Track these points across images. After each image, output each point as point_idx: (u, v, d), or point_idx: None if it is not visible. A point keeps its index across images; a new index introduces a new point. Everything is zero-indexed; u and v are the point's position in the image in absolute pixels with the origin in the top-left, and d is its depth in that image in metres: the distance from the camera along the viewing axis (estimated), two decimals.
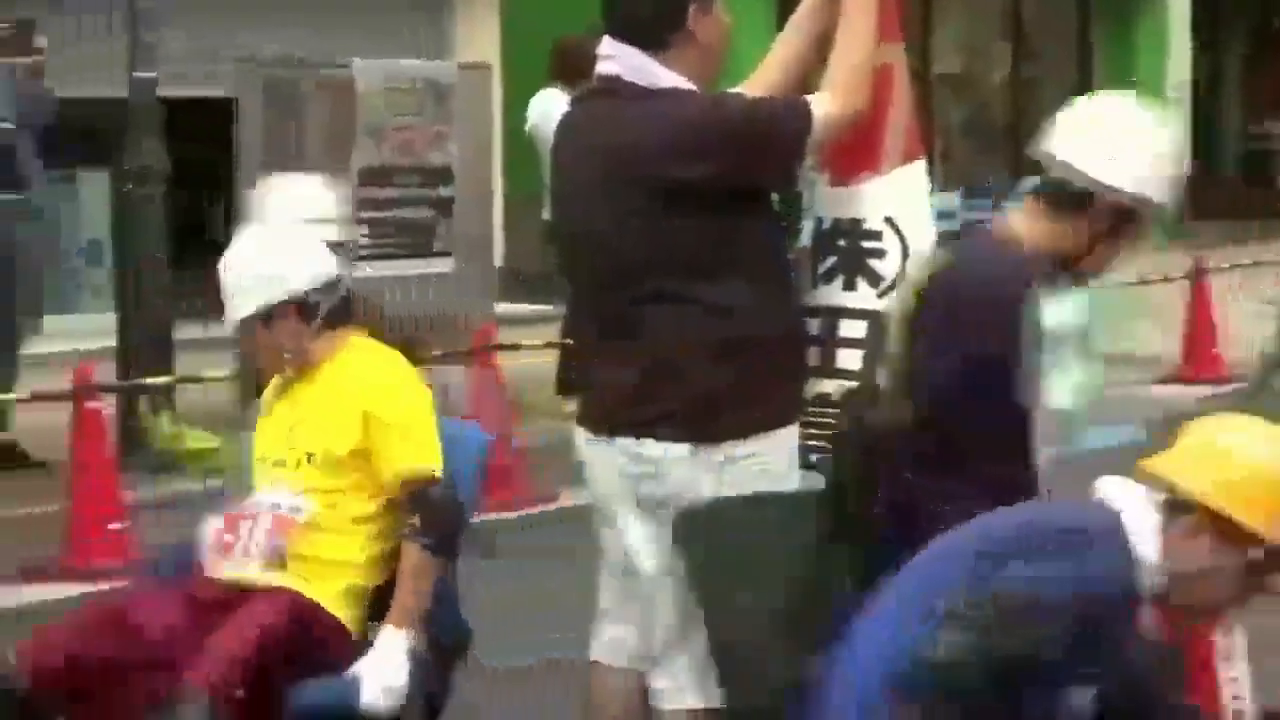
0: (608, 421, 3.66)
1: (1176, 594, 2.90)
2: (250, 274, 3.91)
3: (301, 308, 3.89)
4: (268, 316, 3.87)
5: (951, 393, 3.41)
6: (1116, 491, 3.00)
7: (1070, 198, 3.45)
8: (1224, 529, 2.83)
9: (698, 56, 3.65)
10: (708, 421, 3.54)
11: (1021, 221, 3.57)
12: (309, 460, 3.86)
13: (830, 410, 3.79)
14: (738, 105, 3.71)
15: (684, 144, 3.55)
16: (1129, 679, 3.01)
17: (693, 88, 3.62)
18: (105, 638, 3.75)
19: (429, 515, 3.73)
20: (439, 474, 3.80)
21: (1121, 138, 3.48)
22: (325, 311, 3.92)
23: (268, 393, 4.11)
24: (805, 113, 3.61)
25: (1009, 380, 3.35)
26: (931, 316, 3.49)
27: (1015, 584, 2.84)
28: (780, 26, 4.09)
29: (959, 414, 3.40)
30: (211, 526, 3.91)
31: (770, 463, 3.58)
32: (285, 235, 4.08)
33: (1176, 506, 2.87)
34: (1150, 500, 2.92)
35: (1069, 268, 3.51)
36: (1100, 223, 3.48)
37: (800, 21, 3.88)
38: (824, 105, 3.62)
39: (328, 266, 3.99)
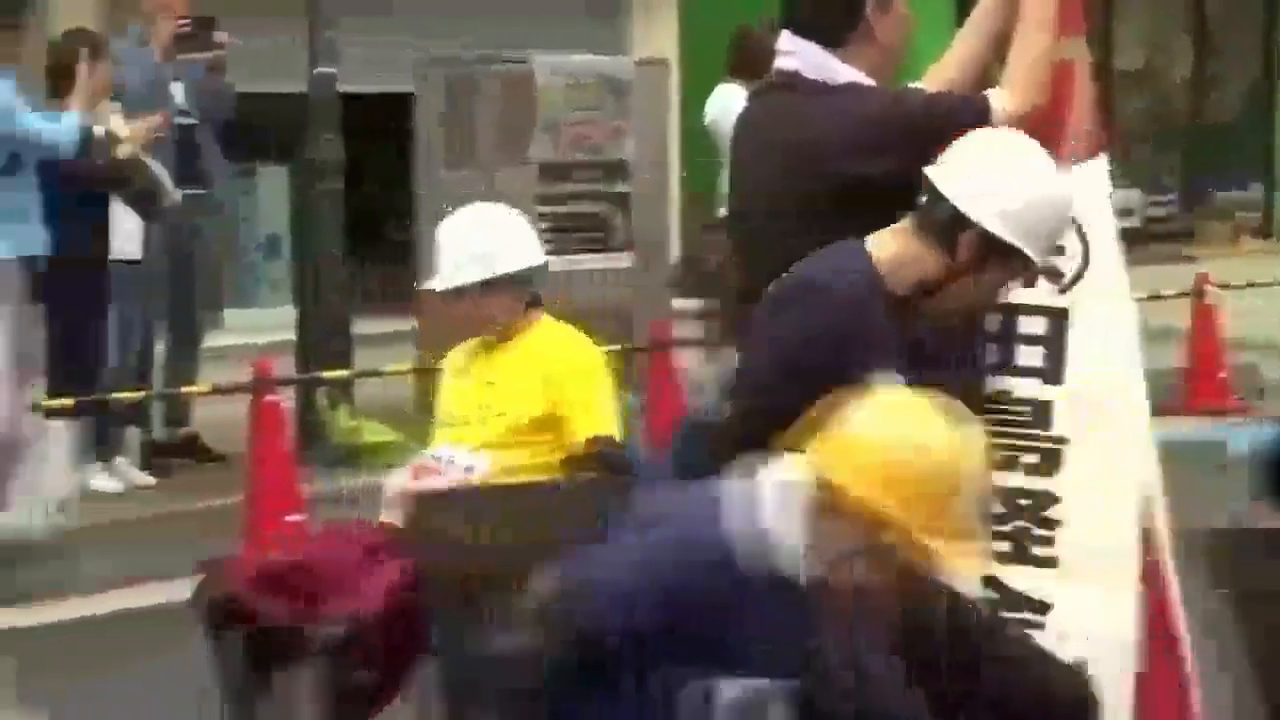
0: None
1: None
2: (475, 246, 4.43)
3: (516, 284, 4.41)
4: (486, 286, 4.37)
5: (757, 383, 3.53)
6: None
7: (935, 224, 3.37)
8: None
9: (877, 53, 3.77)
10: None
11: (895, 239, 3.49)
12: (499, 418, 4.35)
13: (1010, 407, 3.86)
14: (917, 101, 3.81)
15: (865, 140, 3.65)
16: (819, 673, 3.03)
17: (871, 83, 3.73)
18: (282, 572, 4.31)
19: (607, 471, 4.18)
20: (619, 439, 4.36)
21: (999, 174, 3.40)
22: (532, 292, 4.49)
23: (458, 356, 4.62)
24: (984, 108, 3.71)
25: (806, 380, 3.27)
26: (762, 312, 3.58)
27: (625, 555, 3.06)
28: (960, 23, 4.17)
29: (761, 405, 3.45)
30: (396, 478, 4.43)
31: None
32: (505, 216, 4.62)
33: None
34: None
35: (927, 295, 3.46)
36: (963, 257, 3.38)
37: (979, 20, 3.99)
38: (1002, 100, 3.71)
39: (539, 252, 4.55)
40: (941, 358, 3.52)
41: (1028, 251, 3.41)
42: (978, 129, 3.63)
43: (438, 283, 4.50)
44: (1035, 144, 3.56)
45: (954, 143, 3.48)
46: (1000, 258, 3.41)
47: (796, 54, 3.76)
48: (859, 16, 3.72)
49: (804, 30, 3.75)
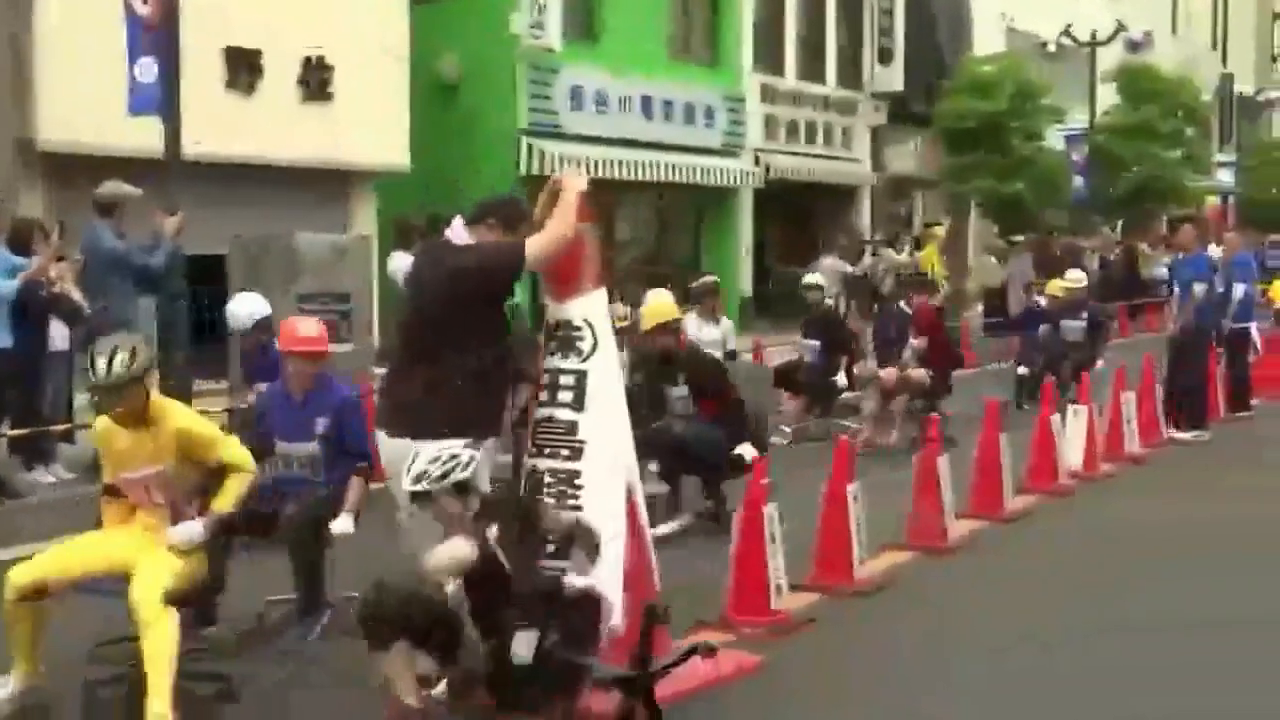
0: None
1: None
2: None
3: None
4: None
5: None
6: None
7: None
8: None
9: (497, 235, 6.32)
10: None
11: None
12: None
13: (555, 425, 6.31)
14: (487, 246, 6.23)
15: (459, 266, 6.16)
16: None
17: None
18: None
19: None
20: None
21: None
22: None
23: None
24: (520, 249, 6.10)
25: None
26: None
27: None
28: None
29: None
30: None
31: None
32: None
33: None
34: None
35: None
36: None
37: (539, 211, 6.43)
38: (532, 245, 6.11)
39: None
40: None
41: None
42: (513, 261, 6.02)
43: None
44: None
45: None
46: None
47: (452, 229, 6.30)
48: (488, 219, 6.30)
49: (467, 220, 6.32)
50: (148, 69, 12.03)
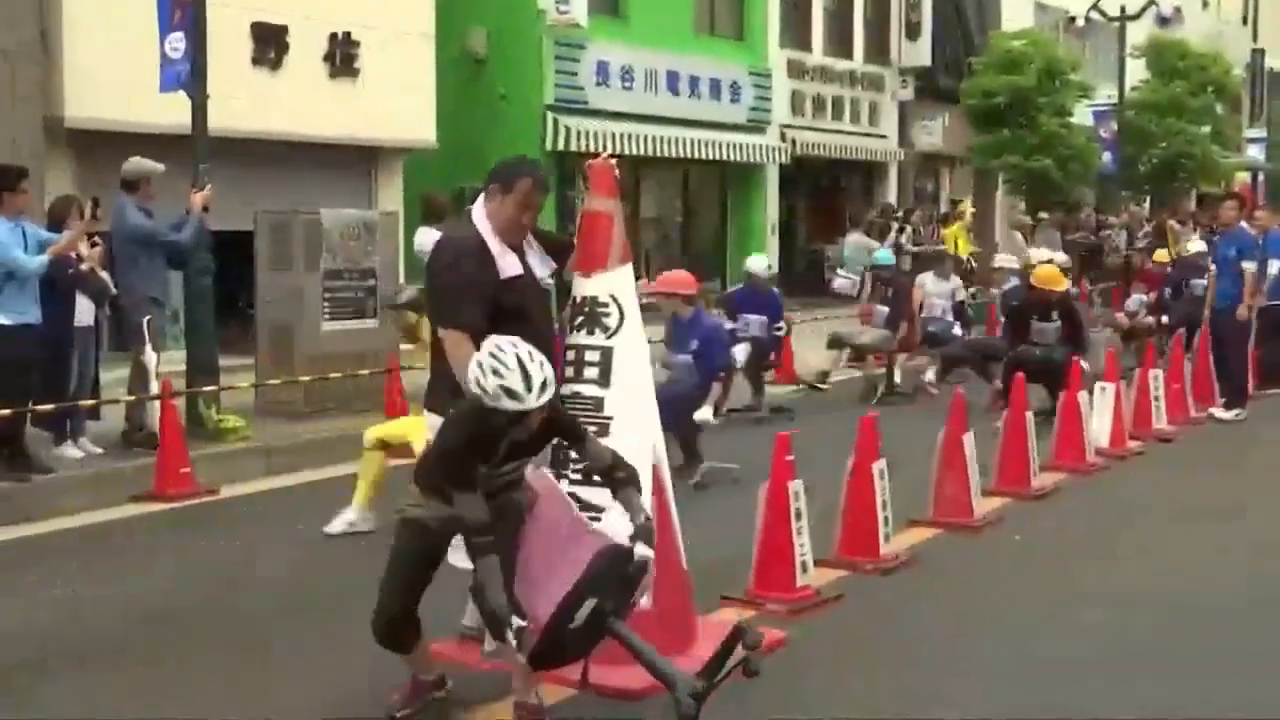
0: None
1: None
2: None
3: None
4: None
5: None
6: None
7: None
8: None
9: (497, 208, 5.93)
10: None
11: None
12: None
13: (581, 401, 6.16)
14: (438, 285, 5.97)
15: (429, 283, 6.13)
16: None
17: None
18: None
19: None
20: None
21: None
22: None
23: None
24: (449, 326, 5.79)
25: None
26: None
27: None
28: None
29: None
30: None
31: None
32: None
33: None
34: None
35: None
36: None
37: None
38: (450, 336, 5.77)
39: None
40: None
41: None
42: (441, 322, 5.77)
43: None
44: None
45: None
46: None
47: (475, 205, 6.03)
48: (490, 186, 5.90)
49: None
50: (178, 45, 12.03)
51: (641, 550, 5.11)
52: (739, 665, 4.90)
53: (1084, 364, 12.40)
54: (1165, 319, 17.97)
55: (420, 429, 6.72)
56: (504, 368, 4.97)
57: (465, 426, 5.13)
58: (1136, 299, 18.94)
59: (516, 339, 5.13)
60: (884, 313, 16.17)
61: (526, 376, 4.99)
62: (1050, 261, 16.00)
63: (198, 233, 11.75)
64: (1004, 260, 18.80)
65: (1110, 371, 12.67)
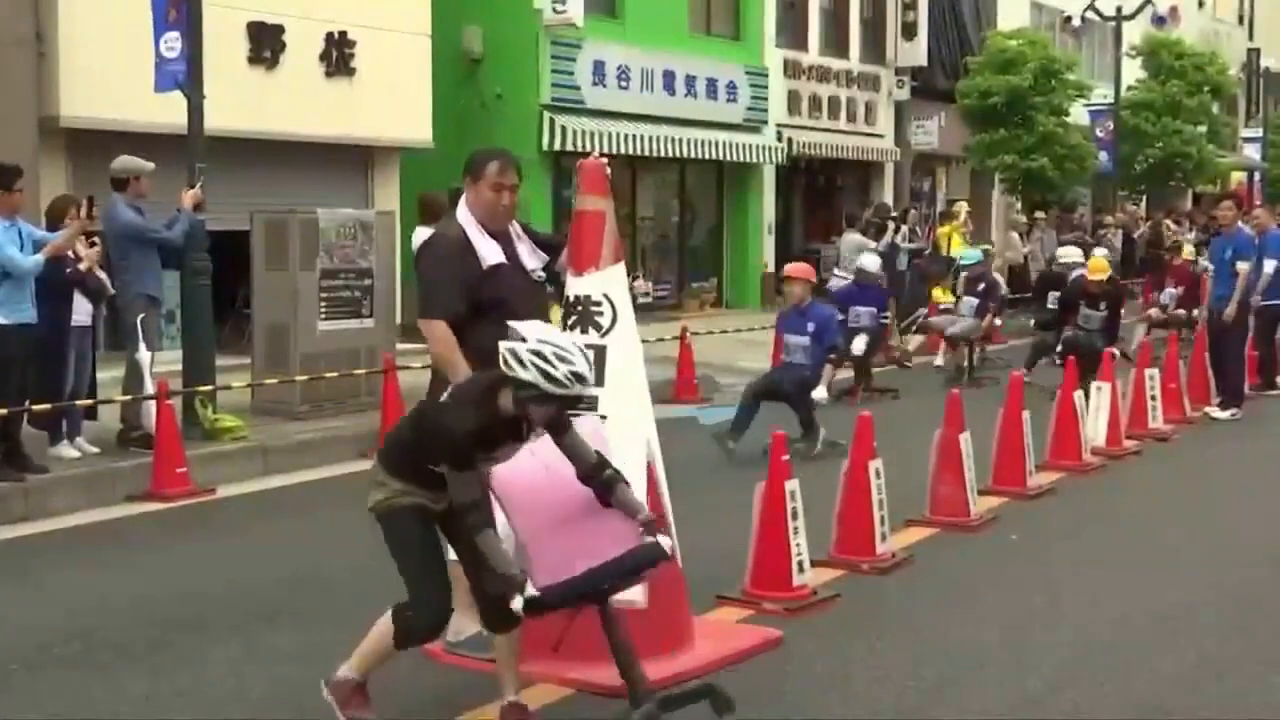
0: None
1: None
2: None
3: None
4: None
5: None
6: None
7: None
8: None
9: (473, 197, 6.10)
10: None
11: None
12: None
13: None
14: (424, 273, 6.23)
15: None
16: None
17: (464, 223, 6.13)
18: None
19: None
20: None
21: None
22: None
23: None
24: (428, 316, 5.95)
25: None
26: None
27: None
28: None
29: None
30: None
31: None
32: None
33: None
34: None
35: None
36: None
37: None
38: (430, 326, 5.92)
39: None
40: None
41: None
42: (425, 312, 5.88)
43: None
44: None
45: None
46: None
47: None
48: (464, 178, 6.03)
49: None
50: (173, 44, 12.02)
51: (665, 540, 5.15)
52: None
53: (1114, 351, 13.99)
54: (1196, 312, 19.01)
55: None
56: (567, 353, 5.01)
57: (478, 410, 5.11)
58: (1168, 293, 20.63)
59: (550, 326, 5.23)
60: (972, 304, 17.91)
61: (586, 359, 5.07)
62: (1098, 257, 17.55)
63: (189, 230, 11.72)
64: (1067, 254, 19.17)
65: (1107, 371, 12.68)
